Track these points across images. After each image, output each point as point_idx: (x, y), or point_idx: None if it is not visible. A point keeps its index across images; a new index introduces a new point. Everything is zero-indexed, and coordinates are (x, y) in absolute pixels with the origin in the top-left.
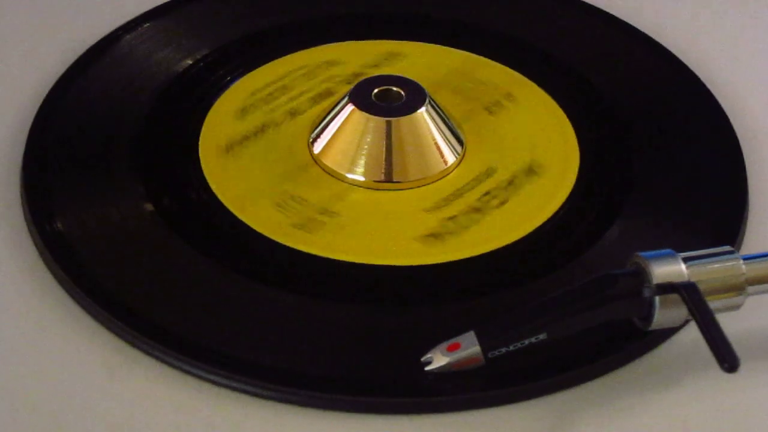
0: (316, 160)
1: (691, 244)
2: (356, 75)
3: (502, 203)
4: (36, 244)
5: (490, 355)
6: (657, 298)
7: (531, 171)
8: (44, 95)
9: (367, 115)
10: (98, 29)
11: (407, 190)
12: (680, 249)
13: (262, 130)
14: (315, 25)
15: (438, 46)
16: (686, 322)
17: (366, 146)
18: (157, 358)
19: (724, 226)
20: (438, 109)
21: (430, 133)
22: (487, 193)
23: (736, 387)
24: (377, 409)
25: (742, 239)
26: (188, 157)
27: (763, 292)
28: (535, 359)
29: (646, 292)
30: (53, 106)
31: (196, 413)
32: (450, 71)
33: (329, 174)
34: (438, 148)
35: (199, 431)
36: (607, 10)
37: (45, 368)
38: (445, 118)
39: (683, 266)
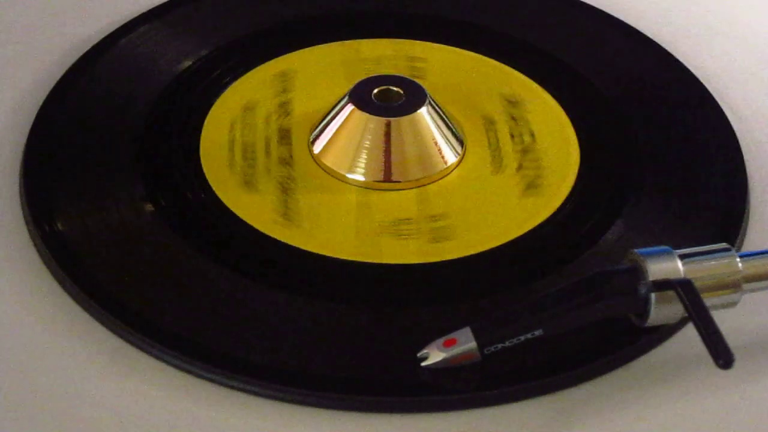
0: (315, 159)
1: (692, 244)
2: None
3: (532, 135)
4: (36, 244)
5: (486, 351)
6: (653, 295)
7: (513, 103)
8: (45, 95)
9: (367, 115)
10: (98, 29)
11: (424, 186)
12: (681, 248)
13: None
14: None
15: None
16: (684, 319)
17: (366, 146)
18: (157, 358)
19: (725, 226)
20: (438, 109)
21: (430, 133)
22: (513, 136)
23: (735, 386)
24: (376, 408)
25: (742, 239)
26: (188, 157)
27: (759, 289)
28: (534, 358)
29: (642, 289)
30: (53, 106)
31: (196, 413)
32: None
33: (330, 174)
34: (438, 147)
35: (199, 431)
36: (608, 10)
37: (45, 368)
38: (445, 118)
39: (679, 263)
